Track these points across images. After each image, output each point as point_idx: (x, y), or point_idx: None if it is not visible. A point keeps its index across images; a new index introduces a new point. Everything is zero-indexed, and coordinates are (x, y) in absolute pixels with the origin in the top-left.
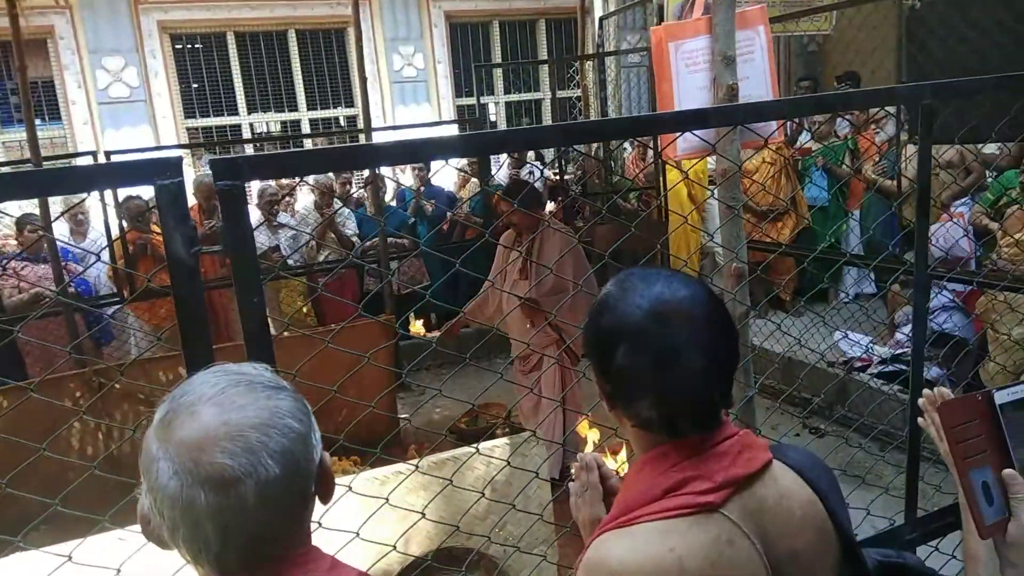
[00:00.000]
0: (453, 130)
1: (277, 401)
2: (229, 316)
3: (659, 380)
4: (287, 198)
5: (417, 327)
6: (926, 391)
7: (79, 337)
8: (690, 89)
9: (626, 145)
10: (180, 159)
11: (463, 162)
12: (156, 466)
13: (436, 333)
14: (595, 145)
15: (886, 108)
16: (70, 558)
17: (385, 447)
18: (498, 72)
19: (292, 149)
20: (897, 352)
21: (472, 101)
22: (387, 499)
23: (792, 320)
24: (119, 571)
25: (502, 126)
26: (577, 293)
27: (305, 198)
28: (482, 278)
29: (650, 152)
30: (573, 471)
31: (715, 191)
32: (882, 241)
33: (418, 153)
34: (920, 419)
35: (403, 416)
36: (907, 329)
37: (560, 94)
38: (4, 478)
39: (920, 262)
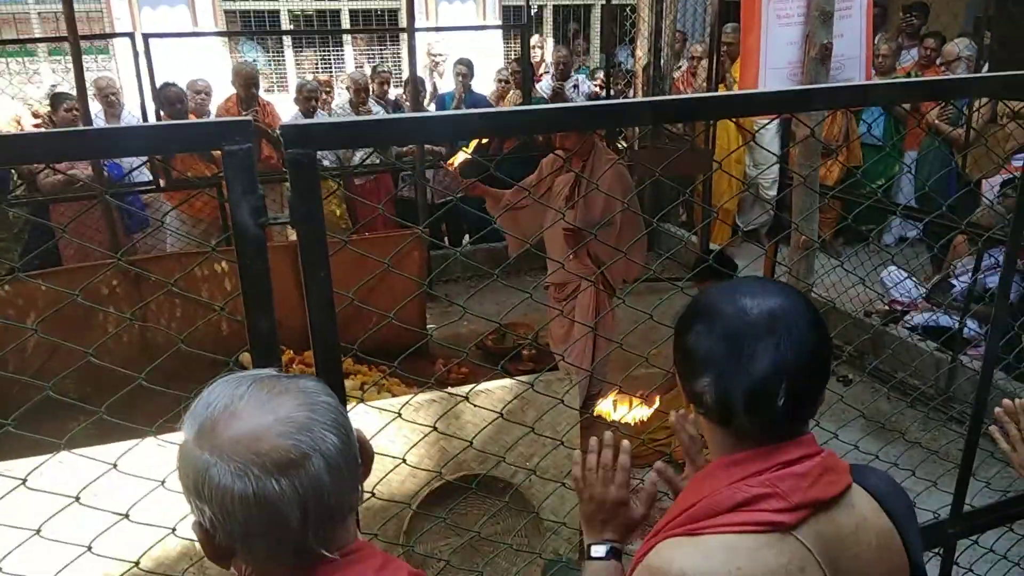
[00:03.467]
0: (497, 35)
1: (303, 382)
2: None
3: (720, 359)
4: (324, 96)
5: None
6: (1006, 401)
7: (114, 223)
8: (779, 44)
9: (683, 62)
10: (250, 122)
11: (504, 71)
12: (210, 473)
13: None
14: (642, 59)
15: (961, 52)
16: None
17: (412, 358)
18: None
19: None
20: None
21: (519, 2)
22: (435, 427)
23: (832, 263)
24: None
25: (549, 31)
26: (624, 228)
27: (341, 96)
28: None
29: (700, 71)
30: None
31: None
32: (937, 191)
33: (509, 125)
34: (994, 427)
35: (431, 326)
36: (963, 280)
37: (613, 0)
38: (39, 364)
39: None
